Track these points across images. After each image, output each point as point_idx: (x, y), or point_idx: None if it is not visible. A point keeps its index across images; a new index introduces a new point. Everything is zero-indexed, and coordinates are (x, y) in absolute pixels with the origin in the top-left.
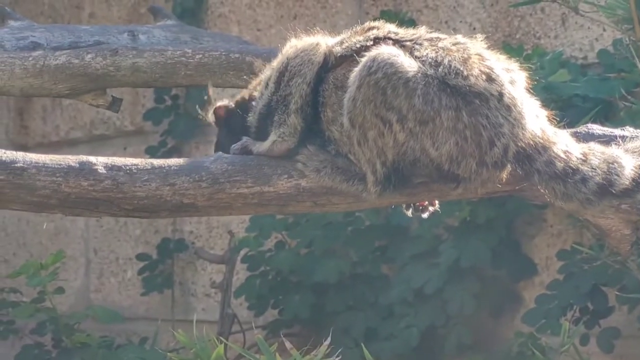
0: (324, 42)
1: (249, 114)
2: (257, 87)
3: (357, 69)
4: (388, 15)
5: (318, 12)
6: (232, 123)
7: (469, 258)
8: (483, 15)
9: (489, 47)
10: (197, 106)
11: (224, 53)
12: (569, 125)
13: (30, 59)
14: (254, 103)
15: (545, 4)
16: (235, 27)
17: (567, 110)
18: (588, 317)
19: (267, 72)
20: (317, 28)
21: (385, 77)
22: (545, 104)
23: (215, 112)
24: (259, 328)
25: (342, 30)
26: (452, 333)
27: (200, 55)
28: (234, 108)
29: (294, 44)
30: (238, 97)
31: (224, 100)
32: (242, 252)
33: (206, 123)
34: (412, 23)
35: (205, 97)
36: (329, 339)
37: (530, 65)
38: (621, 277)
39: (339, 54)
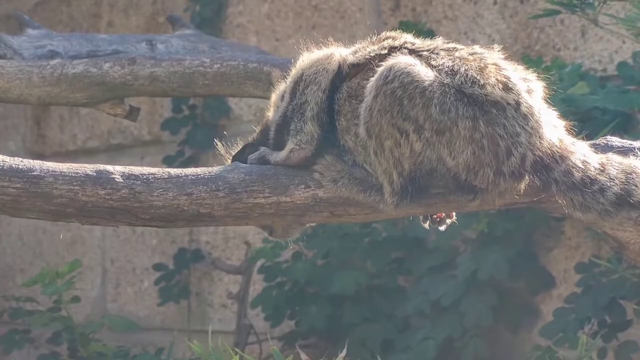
0: (338, 52)
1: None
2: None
3: (373, 79)
4: (407, 26)
5: (337, 22)
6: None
7: (487, 270)
8: (502, 26)
9: (507, 58)
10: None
11: (242, 63)
12: (588, 137)
13: (48, 67)
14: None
15: (564, 16)
16: (253, 37)
17: (586, 122)
18: (606, 330)
19: (282, 86)
20: (333, 39)
21: (401, 86)
22: (564, 116)
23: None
24: (275, 339)
25: (360, 41)
26: (469, 345)
27: (219, 65)
28: (258, 136)
29: (308, 56)
30: (260, 127)
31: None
32: (259, 263)
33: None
34: (431, 34)
35: (218, 152)
36: (345, 350)
37: (549, 77)
38: (639, 290)
39: (351, 62)
